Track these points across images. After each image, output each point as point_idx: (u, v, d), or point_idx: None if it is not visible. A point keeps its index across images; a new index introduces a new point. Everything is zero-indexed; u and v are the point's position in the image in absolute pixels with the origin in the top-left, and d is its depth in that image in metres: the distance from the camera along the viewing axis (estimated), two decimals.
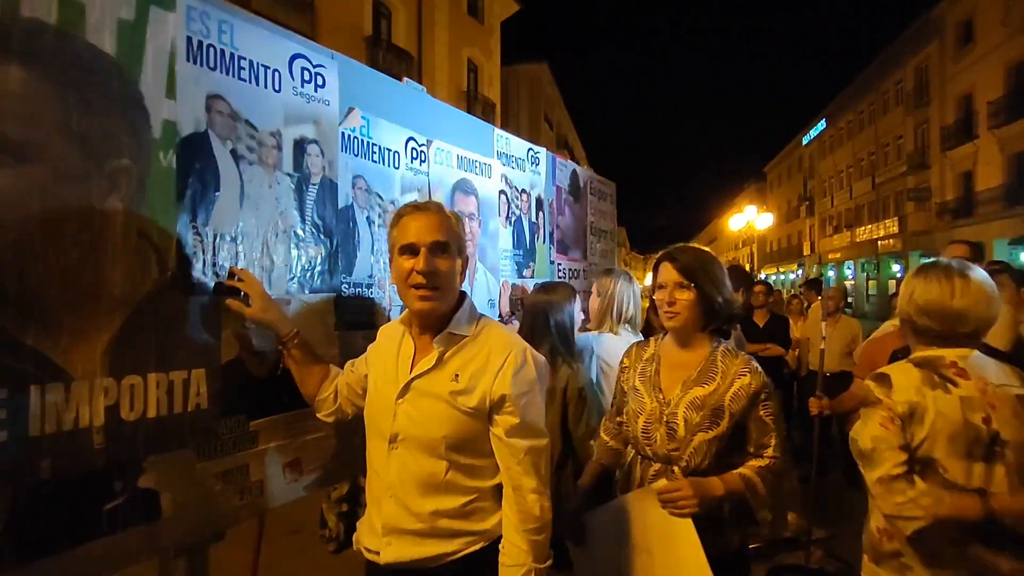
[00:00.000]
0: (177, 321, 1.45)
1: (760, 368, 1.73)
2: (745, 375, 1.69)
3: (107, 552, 1.30)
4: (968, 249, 3.08)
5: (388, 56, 15.65)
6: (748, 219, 20.26)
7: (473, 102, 19.89)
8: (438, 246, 1.42)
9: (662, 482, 1.65)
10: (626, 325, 2.63)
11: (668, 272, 1.76)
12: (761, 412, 1.69)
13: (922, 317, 1.59)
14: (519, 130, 27.14)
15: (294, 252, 1.76)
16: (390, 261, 1.50)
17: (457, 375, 1.42)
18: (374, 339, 1.66)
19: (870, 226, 30.09)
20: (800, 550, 3.76)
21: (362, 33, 15.03)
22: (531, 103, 28.02)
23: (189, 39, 1.50)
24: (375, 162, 2.08)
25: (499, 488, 1.46)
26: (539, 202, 3.21)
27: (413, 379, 1.44)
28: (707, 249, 1.86)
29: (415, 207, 1.47)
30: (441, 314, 1.45)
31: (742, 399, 1.67)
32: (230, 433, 1.57)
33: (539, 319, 2.32)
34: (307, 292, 1.80)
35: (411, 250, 1.41)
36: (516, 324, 2.66)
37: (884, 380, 1.57)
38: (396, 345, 1.52)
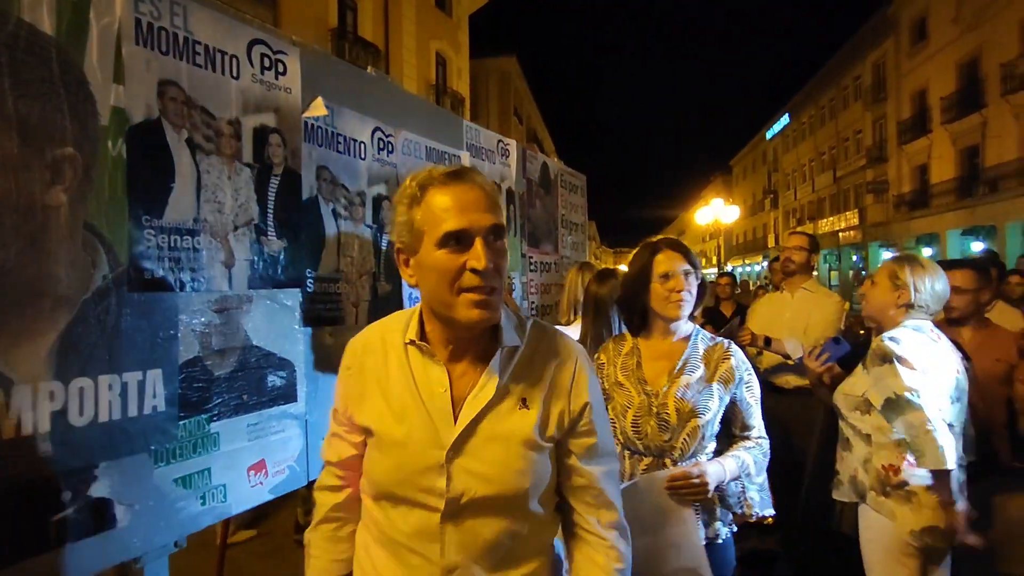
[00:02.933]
0: (131, 319, 1.37)
1: (740, 350, 1.76)
2: (728, 358, 1.72)
3: (56, 567, 1.22)
4: (807, 240, 3.27)
5: (355, 49, 15.36)
6: (715, 213, 20.57)
7: (442, 96, 19.70)
8: (497, 231, 1.01)
9: (675, 470, 1.63)
10: None
11: (677, 260, 1.75)
12: (746, 393, 1.72)
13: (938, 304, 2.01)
14: (489, 124, 26.96)
15: (256, 246, 1.69)
16: (404, 254, 1.05)
17: (524, 400, 1.06)
18: (341, 336, 1.58)
19: (832, 218, 30.91)
20: (769, 534, 3.83)
21: (327, 25, 14.71)
22: (501, 97, 27.92)
23: (138, 20, 1.41)
24: (340, 152, 2.01)
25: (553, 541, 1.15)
26: (509, 194, 3.17)
27: (473, 422, 1.03)
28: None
29: (452, 176, 1.02)
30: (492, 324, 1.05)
31: (729, 381, 1.70)
32: (189, 436, 1.49)
33: (606, 311, 2.33)
34: (270, 287, 1.73)
35: (460, 239, 0.97)
36: None
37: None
38: (406, 375, 1.07)
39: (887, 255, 26.57)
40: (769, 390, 2.93)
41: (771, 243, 41.25)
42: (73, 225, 1.27)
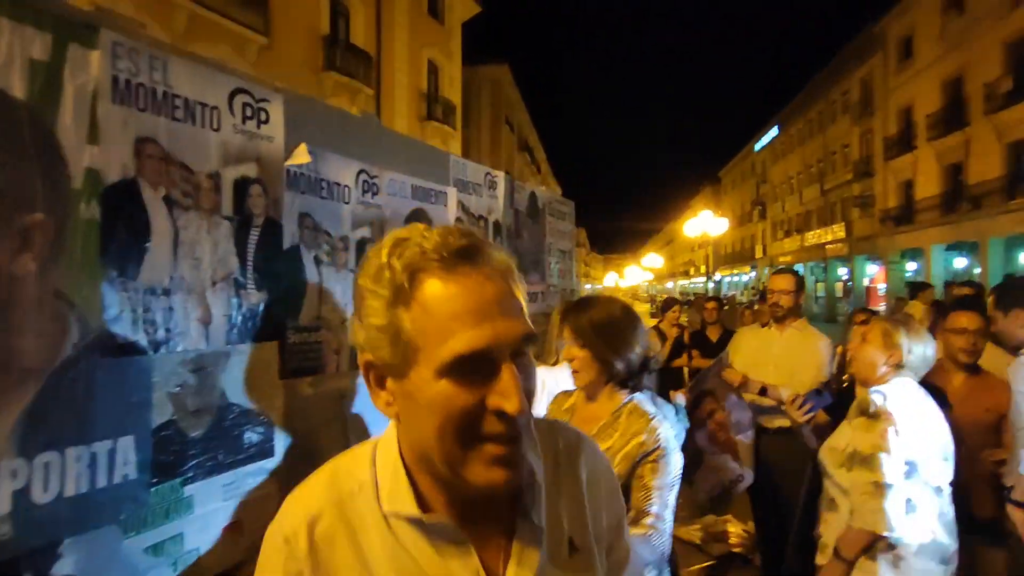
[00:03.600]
0: (102, 387, 1.33)
1: (665, 433, 1.63)
2: (641, 435, 1.61)
3: None
4: (793, 280, 3.26)
5: (346, 56, 15.32)
6: (703, 227, 20.71)
7: (433, 104, 19.70)
8: (528, 342, 0.72)
9: None
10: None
11: (565, 332, 1.78)
12: (646, 477, 1.58)
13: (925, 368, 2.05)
14: (480, 132, 27.03)
15: (234, 300, 1.65)
16: (376, 371, 0.75)
17: (572, 540, 0.82)
18: (321, 386, 1.53)
19: (819, 231, 31.26)
20: (751, 564, 3.83)
21: (319, 32, 14.66)
22: (492, 105, 27.99)
23: (115, 78, 1.38)
24: (324, 198, 1.98)
25: None
26: (496, 227, 3.15)
27: None
28: (616, 302, 1.85)
29: (461, 256, 0.70)
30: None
31: (629, 459, 1.59)
32: (161, 502, 1.45)
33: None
34: (247, 341, 1.69)
35: (479, 365, 0.67)
36: None
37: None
38: (407, 571, 0.74)
39: (872, 268, 26.87)
40: (757, 431, 2.93)
41: (759, 254, 41.61)
42: (42, 293, 1.23)
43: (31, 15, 1.23)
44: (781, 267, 3.84)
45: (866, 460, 1.80)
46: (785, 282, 3.30)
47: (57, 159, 1.27)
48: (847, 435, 1.96)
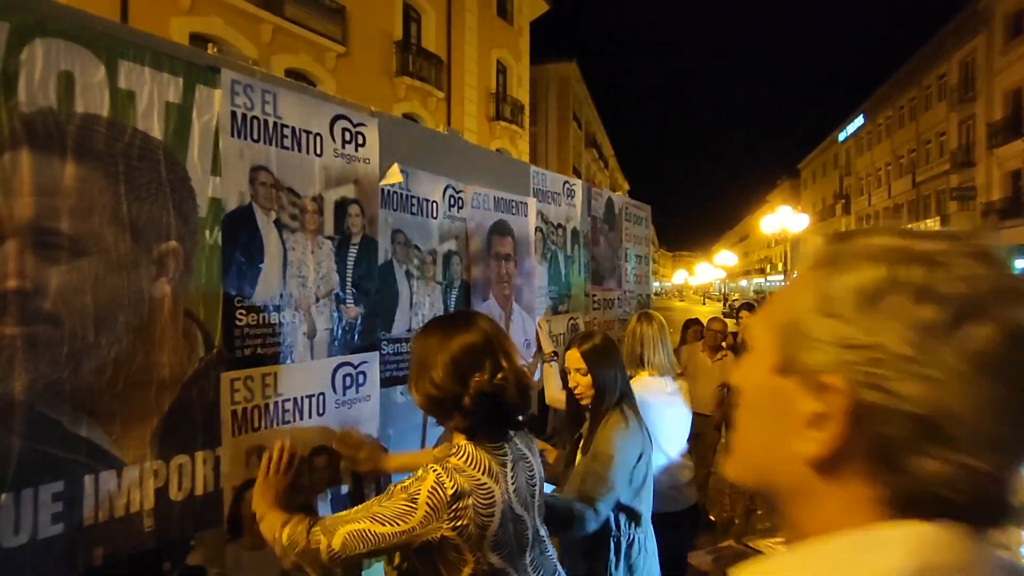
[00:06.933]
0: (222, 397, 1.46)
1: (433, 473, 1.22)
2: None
3: None
4: None
5: (418, 60, 15.71)
6: (782, 223, 19.77)
7: (502, 104, 19.86)
8: None
9: None
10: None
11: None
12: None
13: None
14: (547, 130, 27.00)
15: (335, 314, 1.76)
16: None
17: None
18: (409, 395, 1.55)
19: (910, 226, 29.16)
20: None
21: (392, 37, 15.11)
22: (560, 102, 27.89)
23: (233, 113, 1.50)
24: (414, 214, 2.07)
25: None
26: (575, 234, 3.17)
27: None
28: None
29: None
30: None
31: None
32: None
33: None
34: (347, 352, 1.80)
35: None
36: (556, 364, 2.62)
37: None
38: None
39: None
40: None
41: None
42: (175, 314, 1.37)
43: (167, 62, 1.36)
44: None
45: None
46: None
47: (187, 191, 1.40)
48: None
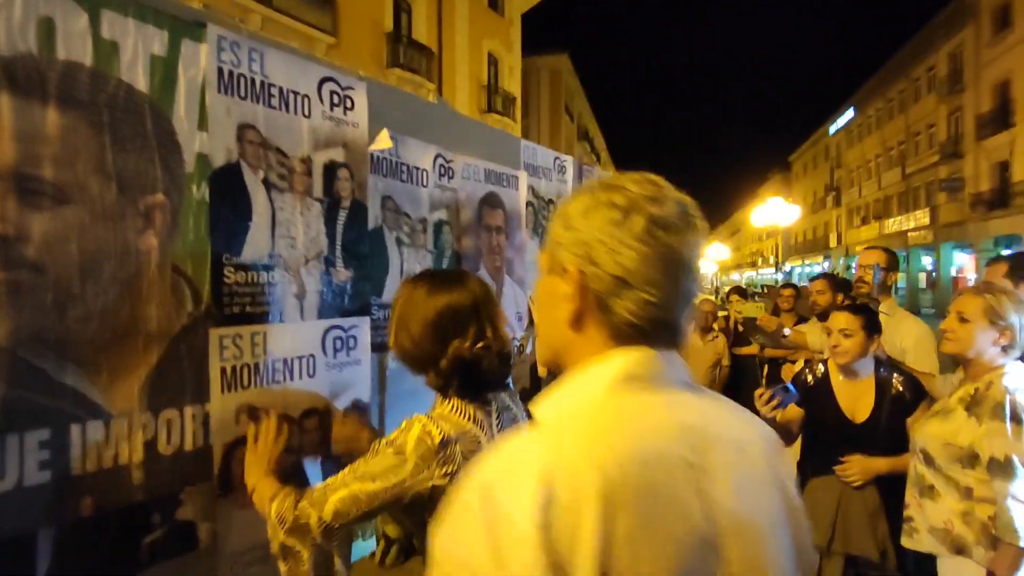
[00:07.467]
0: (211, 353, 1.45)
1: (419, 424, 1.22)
2: None
3: None
4: (884, 256, 3.01)
5: (409, 51, 15.64)
6: (773, 215, 19.88)
7: (493, 95, 19.81)
8: None
9: None
10: None
11: None
12: None
13: None
14: (539, 121, 26.97)
15: (325, 277, 1.76)
16: None
17: None
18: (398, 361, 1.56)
19: (899, 217, 29.40)
20: None
21: (383, 29, 15.03)
22: (552, 94, 27.85)
23: (220, 69, 1.49)
24: (404, 181, 2.07)
25: None
26: None
27: None
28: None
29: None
30: None
31: None
32: None
33: None
34: (337, 315, 1.80)
35: None
36: None
37: None
38: None
39: (961, 257, 25.02)
40: None
41: (832, 243, 39.58)
42: (162, 267, 1.36)
43: (151, 15, 1.35)
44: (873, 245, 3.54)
45: (1009, 469, 1.67)
46: (875, 256, 3.04)
47: (173, 145, 1.39)
48: (971, 431, 1.80)
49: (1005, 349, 1.83)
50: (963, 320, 1.86)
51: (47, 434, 1.16)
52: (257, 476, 1.37)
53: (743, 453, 0.67)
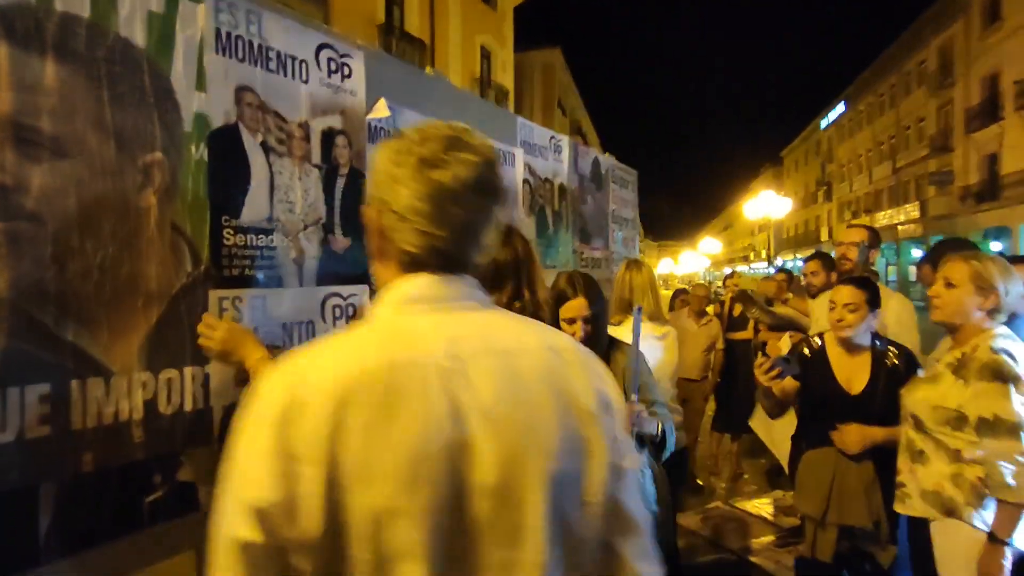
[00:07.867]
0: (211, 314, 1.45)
1: None
2: None
3: (148, 544, 1.31)
4: (866, 233, 3.06)
5: (401, 44, 15.55)
6: (765, 208, 19.95)
7: (486, 89, 19.75)
8: None
9: None
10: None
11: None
12: None
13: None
14: (532, 117, 26.93)
15: (324, 244, 1.75)
16: None
17: None
18: None
19: (890, 211, 29.59)
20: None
21: (375, 21, 14.94)
22: (544, 89, 27.80)
23: (218, 30, 1.48)
24: None
25: None
26: (562, 190, 3.17)
27: None
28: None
29: None
30: None
31: None
32: None
33: None
34: (336, 283, 1.79)
35: None
36: None
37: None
38: None
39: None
40: None
41: (824, 237, 39.79)
42: (161, 225, 1.35)
43: None
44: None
45: (1012, 430, 1.70)
46: (856, 234, 3.09)
47: (171, 103, 1.38)
48: (958, 393, 1.82)
49: (991, 313, 1.85)
50: (950, 285, 1.88)
51: (48, 388, 1.15)
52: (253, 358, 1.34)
53: (510, 358, 0.73)
